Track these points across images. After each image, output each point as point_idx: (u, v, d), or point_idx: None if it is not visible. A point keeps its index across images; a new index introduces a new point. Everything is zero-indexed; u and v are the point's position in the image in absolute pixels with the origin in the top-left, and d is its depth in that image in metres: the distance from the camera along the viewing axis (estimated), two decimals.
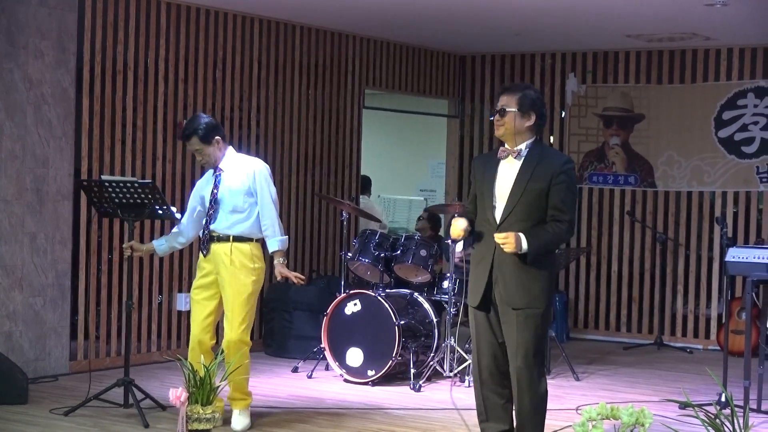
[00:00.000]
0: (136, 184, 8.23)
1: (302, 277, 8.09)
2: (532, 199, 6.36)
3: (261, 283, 8.01)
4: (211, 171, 8.04)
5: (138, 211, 8.27)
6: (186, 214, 8.21)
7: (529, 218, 6.36)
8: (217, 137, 7.89)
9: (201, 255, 7.99)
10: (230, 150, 8.04)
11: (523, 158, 6.44)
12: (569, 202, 6.43)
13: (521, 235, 6.26)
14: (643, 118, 12.95)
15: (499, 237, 6.25)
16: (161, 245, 8.27)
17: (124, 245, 8.43)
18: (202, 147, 7.87)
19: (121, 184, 8.20)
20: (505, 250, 6.26)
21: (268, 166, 8.09)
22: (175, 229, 8.27)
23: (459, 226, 6.39)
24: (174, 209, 8.57)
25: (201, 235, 8.00)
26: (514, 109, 6.44)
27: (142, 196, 8.19)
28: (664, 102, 12.82)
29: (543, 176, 6.37)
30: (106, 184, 8.25)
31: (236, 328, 7.82)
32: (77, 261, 9.93)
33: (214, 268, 7.90)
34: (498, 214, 6.43)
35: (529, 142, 6.48)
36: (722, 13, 10.33)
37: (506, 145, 6.52)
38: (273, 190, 8.01)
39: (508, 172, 6.46)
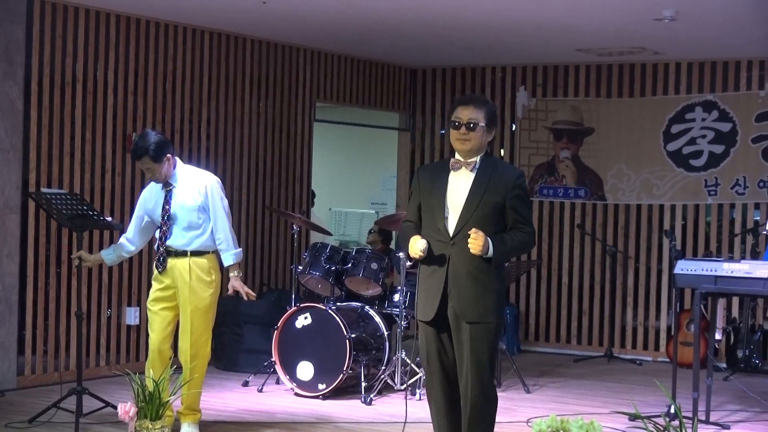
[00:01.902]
0: (68, 196, 8.22)
1: (253, 294, 8.12)
2: (488, 211, 6.28)
3: (218, 294, 8.02)
4: (160, 185, 7.99)
5: (83, 223, 8.23)
6: (132, 224, 8.17)
7: (483, 230, 6.26)
8: (167, 154, 7.84)
9: (156, 271, 7.96)
10: (179, 164, 8.00)
11: (476, 170, 6.36)
12: (528, 215, 6.41)
13: (488, 238, 6.22)
14: (592, 131, 13.01)
15: (471, 232, 6.18)
16: (109, 255, 8.25)
17: (72, 255, 8.40)
18: (153, 166, 7.82)
19: (63, 197, 8.19)
20: (470, 248, 6.18)
21: (218, 179, 8.08)
22: (122, 239, 8.23)
23: (418, 247, 6.29)
24: (111, 218, 8.56)
25: (156, 251, 7.98)
26: (483, 124, 6.33)
27: (81, 207, 8.16)
28: (613, 115, 12.89)
29: (498, 189, 6.30)
30: (49, 197, 8.24)
31: (196, 342, 7.86)
32: (25, 275, 9.84)
33: (172, 282, 7.90)
34: (451, 226, 6.33)
35: (482, 154, 6.41)
36: (671, 27, 10.41)
37: (458, 156, 6.40)
38: (225, 203, 8.00)
39: (460, 183, 6.36)
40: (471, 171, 6.37)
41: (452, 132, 6.39)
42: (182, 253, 7.87)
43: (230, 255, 7.96)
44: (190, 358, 7.84)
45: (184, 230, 7.88)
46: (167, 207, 7.89)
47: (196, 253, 7.88)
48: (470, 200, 6.32)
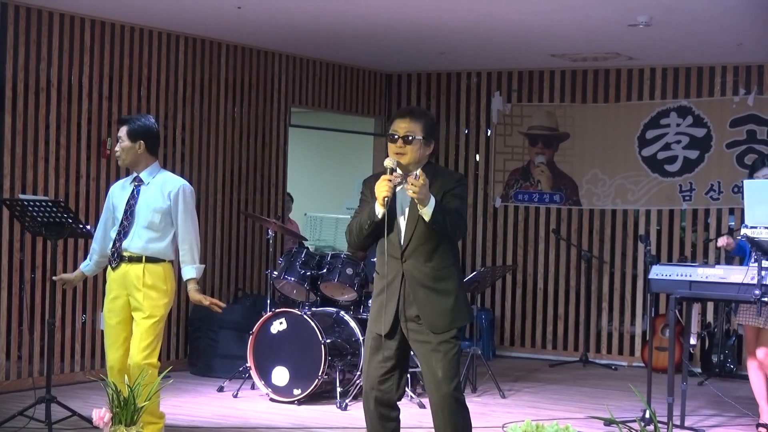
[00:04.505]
0: (50, 203, 8.09)
1: (221, 304, 7.85)
2: None
3: (171, 305, 7.72)
4: (129, 180, 7.77)
5: (59, 230, 8.14)
6: (100, 227, 7.85)
7: (430, 238, 6.19)
8: (141, 141, 7.60)
9: (110, 268, 7.66)
10: (156, 164, 7.74)
11: None
12: (461, 210, 6.25)
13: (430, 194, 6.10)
14: (567, 136, 13.04)
15: (410, 178, 6.02)
16: (87, 266, 7.95)
17: (55, 278, 8.17)
18: (125, 140, 7.59)
19: (42, 204, 8.07)
20: (410, 191, 6.01)
21: (192, 188, 7.79)
22: (94, 245, 7.91)
23: (382, 189, 6.08)
24: (90, 227, 8.43)
25: (110, 248, 7.66)
26: (420, 137, 6.21)
27: (60, 215, 8.05)
28: (588, 121, 12.93)
29: (437, 194, 6.16)
30: (25, 203, 8.12)
31: (143, 350, 7.50)
32: None
33: (124, 290, 7.59)
34: (402, 237, 6.24)
35: (423, 165, 6.28)
36: (645, 33, 10.44)
37: (399, 171, 6.23)
38: (194, 213, 7.73)
39: (404, 197, 6.22)
40: None
41: (389, 146, 6.27)
42: (137, 259, 7.55)
43: (193, 268, 7.65)
44: (137, 366, 7.45)
45: (142, 229, 7.56)
46: (132, 202, 7.62)
47: (150, 260, 7.56)
48: (412, 212, 6.23)
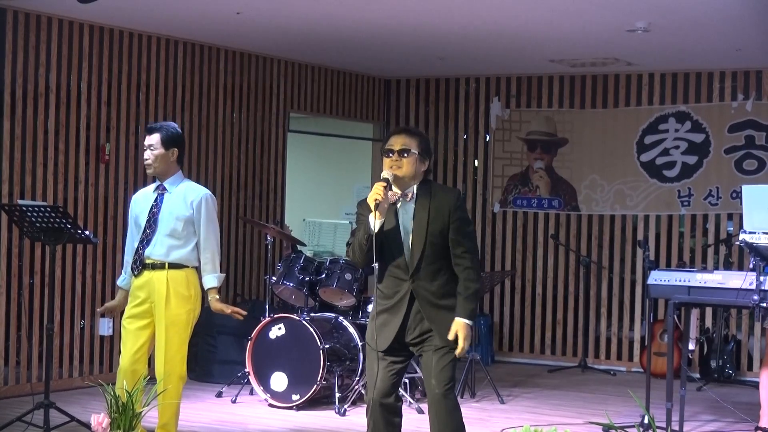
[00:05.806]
0: (49, 209, 8.08)
1: (243, 312, 7.83)
2: (436, 240, 6.26)
3: (197, 311, 7.69)
4: (152, 188, 7.74)
5: (57, 236, 8.13)
6: (128, 239, 7.82)
7: (437, 259, 6.28)
8: (174, 148, 7.62)
9: (133, 278, 7.65)
10: (179, 173, 7.74)
11: (415, 200, 6.33)
12: (471, 243, 6.36)
13: (460, 322, 6.24)
14: (566, 142, 13.05)
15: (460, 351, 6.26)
16: (124, 281, 7.85)
17: (99, 311, 8.21)
18: (157, 147, 7.56)
19: (41, 209, 8.06)
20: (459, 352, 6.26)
21: (214, 197, 7.78)
22: (126, 257, 7.86)
23: (374, 193, 6.16)
24: (88, 232, 8.42)
25: (134, 253, 7.67)
26: (416, 152, 6.32)
27: (59, 220, 8.04)
28: (587, 126, 12.93)
29: (439, 215, 6.27)
30: (24, 208, 8.11)
31: (171, 359, 7.53)
32: None
33: (148, 296, 7.57)
34: (409, 260, 6.31)
35: (418, 182, 6.37)
36: (643, 39, 10.45)
37: (395, 189, 6.33)
38: (216, 222, 7.72)
39: (406, 216, 6.34)
40: (410, 201, 6.35)
41: (385, 161, 6.35)
42: (160, 266, 7.54)
43: (213, 277, 7.65)
44: (163, 376, 7.47)
45: (165, 237, 7.55)
46: (155, 210, 7.61)
47: (173, 266, 7.55)
48: (417, 234, 6.30)
